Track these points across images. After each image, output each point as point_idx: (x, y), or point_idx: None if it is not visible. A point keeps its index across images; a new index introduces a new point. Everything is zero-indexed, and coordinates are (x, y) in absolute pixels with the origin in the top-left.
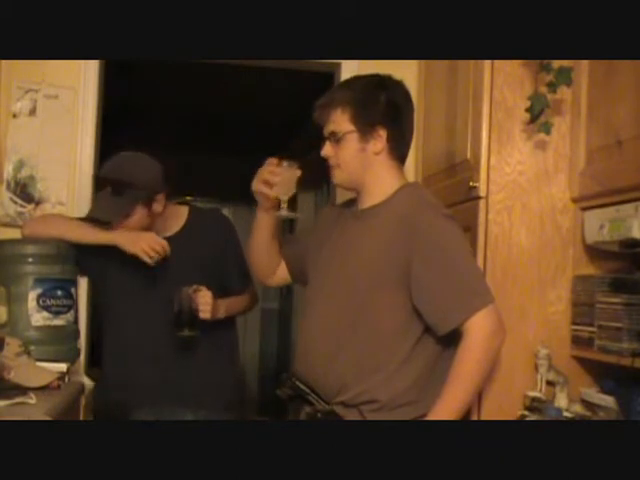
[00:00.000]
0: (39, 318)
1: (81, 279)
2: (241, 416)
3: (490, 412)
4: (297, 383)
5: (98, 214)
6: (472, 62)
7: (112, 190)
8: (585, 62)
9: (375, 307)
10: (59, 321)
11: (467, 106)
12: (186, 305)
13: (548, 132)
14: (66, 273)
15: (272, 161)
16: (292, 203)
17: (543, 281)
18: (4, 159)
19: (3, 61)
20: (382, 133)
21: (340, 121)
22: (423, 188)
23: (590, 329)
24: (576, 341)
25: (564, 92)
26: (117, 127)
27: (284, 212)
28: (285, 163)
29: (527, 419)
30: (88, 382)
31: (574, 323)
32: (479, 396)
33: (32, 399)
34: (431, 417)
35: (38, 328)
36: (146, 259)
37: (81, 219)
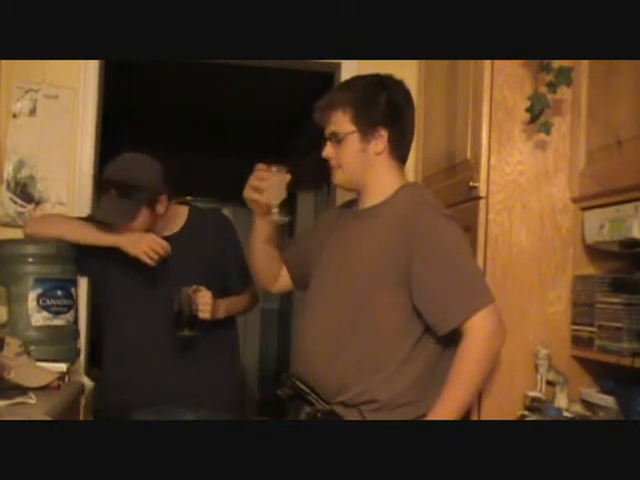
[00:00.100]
0: (39, 318)
1: (81, 279)
2: (241, 416)
3: (490, 412)
4: (297, 383)
5: (103, 217)
6: (472, 62)
7: (117, 193)
8: (585, 62)
9: (375, 307)
10: (59, 321)
11: (467, 106)
12: (186, 305)
13: (548, 132)
14: (66, 273)
15: (260, 167)
16: (291, 204)
17: (543, 281)
18: (4, 159)
19: (3, 61)
20: (383, 133)
21: (341, 122)
22: (423, 188)
23: (590, 329)
24: (576, 341)
25: (564, 92)
26: (117, 127)
27: (275, 217)
28: (274, 168)
29: (527, 419)
30: (88, 382)
31: (574, 323)
32: (479, 396)
33: (32, 399)
34: (431, 417)
35: (38, 328)
36: (147, 260)
37: (82, 219)
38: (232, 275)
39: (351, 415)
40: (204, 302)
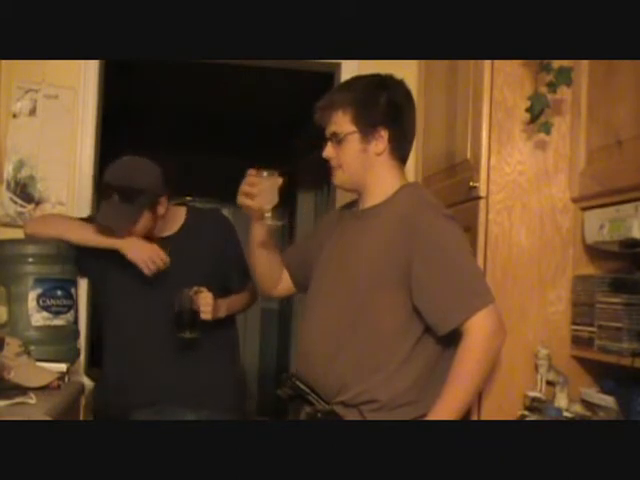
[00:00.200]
0: (39, 318)
1: (81, 279)
2: (241, 416)
3: (490, 412)
4: (297, 383)
5: (106, 222)
6: (472, 62)
7: (119, 197)
8: (585, 62)
9: (375, 307)
10: (59, 321)
11: (467, 106)
12: (187, 307)
13: (548, 132)
14: (66, 273)
15: (251, 172)
16: (291, 204)
17: (543, 281)
18: (4, 159)
19: (3, 61)
20: (383, 133)
21: (341, 122)
22: (423, 188)
23: (590, 329)
24: (576, 341)
25: (564, 92)
26: (117, 127)
27: (268, 221)
28: (264, 173)
29: (527, 419)
30: (88, 382)
31: (574, 323)
32: (479, 396)
33: (32, 399)
34: (431, 417)
35: (38, 328)
36: (145, 270)
37: (83, 219)
38: (232, 275)
39: (351, 415)
40: (205, 303)
